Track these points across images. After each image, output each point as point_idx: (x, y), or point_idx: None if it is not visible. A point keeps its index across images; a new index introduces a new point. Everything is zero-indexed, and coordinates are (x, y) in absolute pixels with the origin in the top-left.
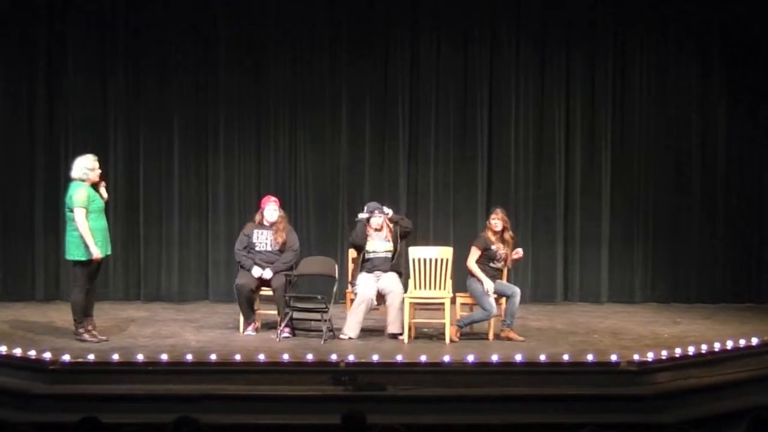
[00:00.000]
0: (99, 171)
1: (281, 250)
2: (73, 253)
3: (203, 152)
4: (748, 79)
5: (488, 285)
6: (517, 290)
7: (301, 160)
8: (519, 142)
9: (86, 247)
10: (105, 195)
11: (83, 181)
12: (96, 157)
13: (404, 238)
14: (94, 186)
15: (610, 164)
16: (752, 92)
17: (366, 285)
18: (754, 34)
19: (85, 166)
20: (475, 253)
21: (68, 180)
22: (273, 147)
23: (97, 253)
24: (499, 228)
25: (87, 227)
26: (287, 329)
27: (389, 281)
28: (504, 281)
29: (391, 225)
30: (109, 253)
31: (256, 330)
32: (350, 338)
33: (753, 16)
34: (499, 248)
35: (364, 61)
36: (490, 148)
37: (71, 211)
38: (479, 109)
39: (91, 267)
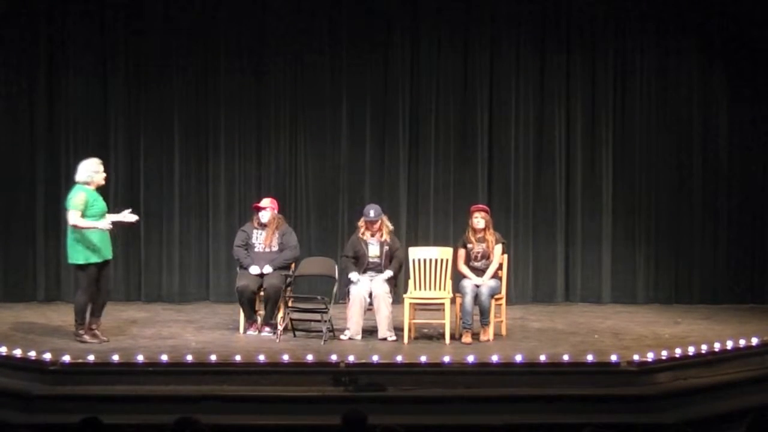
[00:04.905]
0: (104, 174)
1: (280, 250)
2: (73, 257)
3: (203, 152)
4: (748, 79)
5: (476, 281)
6: (483, 287)
7: (301, 160)
8: (519, 142)
9: (85, 247)
10: (133, 219)
11: (87, 184)
12: (101, 161)
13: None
14: (99, 190)
15: (611, 164)
16: (752, 92)
17: (358, 285)
18: (754, 34)
19: (91, 169)
20: (459, 255)
21: (69, 181)
22: (273, 147)
23: (103, 224)
24: (480, 226)
25: (80, 222)
26: (267, 327)
27: (376, 285)
28: (486, 280)
29: (387, 238)
30: (110, 257)
31: (257, 330)
32: (351, 338)
33: (753, 16)
34: (474, 246)
35: (365, 62)
36: (490, 148)
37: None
38: (479, 109)
39: (90, 270)
